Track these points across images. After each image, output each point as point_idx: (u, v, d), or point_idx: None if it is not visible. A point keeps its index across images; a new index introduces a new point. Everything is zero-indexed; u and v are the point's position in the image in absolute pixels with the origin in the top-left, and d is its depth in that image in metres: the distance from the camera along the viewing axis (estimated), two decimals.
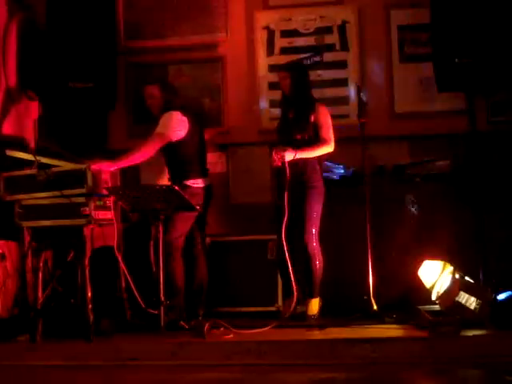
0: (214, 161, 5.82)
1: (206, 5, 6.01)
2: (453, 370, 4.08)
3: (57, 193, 4.65)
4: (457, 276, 4.78)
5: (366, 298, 5.04)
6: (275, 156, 4.95)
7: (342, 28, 5.87)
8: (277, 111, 5.54)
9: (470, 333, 4.43)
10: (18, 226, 4.80)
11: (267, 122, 5.87)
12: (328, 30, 5.90)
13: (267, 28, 5.96)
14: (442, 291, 4.79)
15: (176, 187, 4.68)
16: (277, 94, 5.55)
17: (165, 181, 5.29)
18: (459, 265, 4.90)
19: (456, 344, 4.29)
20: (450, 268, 4.84)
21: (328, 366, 4.17)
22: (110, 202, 4.80)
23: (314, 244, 5.02)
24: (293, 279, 4.90)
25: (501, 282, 4.94)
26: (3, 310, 4.92)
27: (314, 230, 5.02)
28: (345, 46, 5.87)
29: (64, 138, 5.48)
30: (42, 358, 4.49)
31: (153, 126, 5.06)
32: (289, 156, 4.93)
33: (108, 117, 6.01)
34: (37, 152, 5.09)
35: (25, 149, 5.34)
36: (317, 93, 5.39)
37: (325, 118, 5.09)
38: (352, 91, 5.77)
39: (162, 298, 4.69)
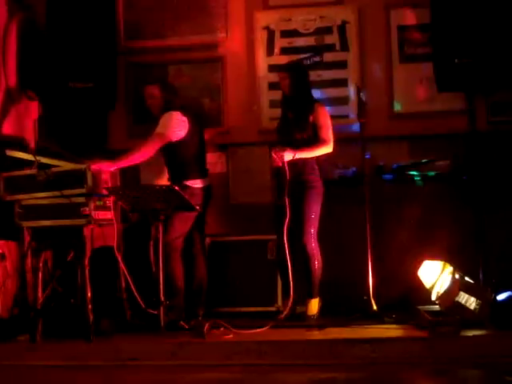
0: (214, 161, 5.81)
1: (206, 5, 6.00)
2: (453, 370, 4.08)
3: (57, 193, 4.65)
4: (457, 276, 4.78)
5: (365, 298, 5.04)
6: (274, 156, 4.96)
7: (342, 28, 5.87)
8: (277, 111, 5.54)
9: (470, 333, 4.43)
10: (17, 226, 4.80)
11: (267, 122, 5.87)
12: (328, 30, 5.89)
13: (267, 28, 5.96)
14: (441, 291, 4.79)
15: (176, 187, 4.68)
16: (277, 94, 5.55)
17: (164, 181, 5.29)
18: (459, 265, 4.90)
19: (456, 344, 4.29)
20: (449, 268, 4.84)
21: (328, 366, 4.18)
22: (109, 202, 4.81)
23: (313, 244, 5.03)
24: (291, 280, 4.91)
25: (501, 281, 4.94)
26: (3, 310, 4.92)
27: (312, 231, 5.03)
28: (345, 46, 5.87)
29: (64, 137, 5.48)
30: (42, 358, 4.49)
31: (153, 126, 5.06)
32: (288, 156, 4.94)
33: (108, 117, 6.01)
34: (37, 152, 5.09)
35: (25, 149, 5.34)
36: (317, 93, 5.38)
37: (324, 119, 5.09)
38: (352, 91, 5.76)
39: (162, 298, 4.70)
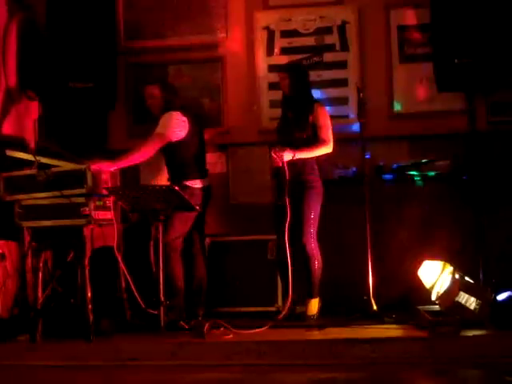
0: (214, 161, 5.82)
1: (206, 5, 6.00)
2: (453, 370, 4.08)
3: (57, 193, 4.65)
4: (457, 276, 4.77)
5: (365, 298, 5.04)
6: (274, 156, 4.96)
7: (342, 28, 5.87)
8: (277, 111, 5.54)
9: (470, 333, 4.43)
10: (17, 226, 4.80)
11: (267, 122, 5.87)
12: (328, 30, 5.89)
13: (267, 28, 5.96)
14: (441, 291, 4.79)
15: (176, 187, 4.68)
16: (276, 94, 5.55)
17: (163, 181, 5.29)
18: (459, 265, 4.90)
19: (456, 344, 4.29)
20: (449, 268, 4.84)
21: (328, 366, 4.18)
22: (109, 202, 4.81)
23: (313, 244, 5.03)
24: (290, 280, 4.91)
25: (501, 281, 4.94)
26: (3, 310, 4.92)
27: (312, 231, 5.02)
28: (345, 47, 5.87)
29: (64, 137, 5.48)
30: (42, 358, 4.49)
31: (153, 126, 5.06)
32: (287, 156, 4.94)
33: (108, 117, 6.01)
34: (37, 152, 5.09)
35: (25, 149, 5.34)
36: (317, 93, 5.38)
37: (323, 119, 5.09)
38: (352, 91, 5.75)
39: (162, 299, 4.70)
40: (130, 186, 5.22)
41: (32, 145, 5.62)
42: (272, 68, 5.87)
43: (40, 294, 4.71)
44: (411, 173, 5.54)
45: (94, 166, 4.70)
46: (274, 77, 5.65)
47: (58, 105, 5.64)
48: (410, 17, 5.78)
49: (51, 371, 4.35)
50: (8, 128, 5.41)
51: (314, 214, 5.03)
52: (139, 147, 4.96)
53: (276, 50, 5.94)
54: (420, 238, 5.38)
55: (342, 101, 5.84)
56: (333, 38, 5.89)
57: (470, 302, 4.66)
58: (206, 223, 5.26)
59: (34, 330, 4.65)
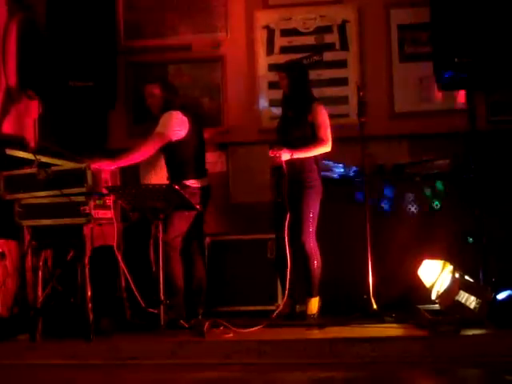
0: (214, 160, 5.82)
1: (206, 4, 6.01)
2: (452, 369, 4.08)
3: (57, 192, 4.65)
4: (456, 275, 4.77)
5: (365, 297, 5.04)
6: (272, 155, 4.96)
7: (342, 27, 5.87)
8: (277, 110, 5.54)
9: (470, 332, 4.43)
10: (17, 225, 4.80)
11: (267, 121, 5.88)
12: (328, 29, 5.90)
13: (267, 27, 5.96)
14: (441, 290, 4.79)
15: (176, 186, 4.68)
16: (276, 94, 5.55)
17: (162, 180, 5.29)
18: (459, 264, 4.90)
19: (456, 343, 4.29)
20: (449, 267, 4.84)
21: (327, 365, 4.17)
22: (109, 201, 4.81)
23: (312, 243, 5.03)
24: (287, 279, 4.91)
25: (501, 281, 4.94)
26: (3, 309, 4.91)
27: (311, 230, 5.02)
28: (345, 46, 5.88)
29: (64, 136, 5.49)
30: (42, 357, 4.49)
31: (153, 125, 5.06)
32: (285, 156, 4.94)
33: (108, 116, 6.01)
34: (37, 151, 5.09)
35: (25, 148, 5.34)
36: (317, 92, 5.38)
37: (322, 118, 5.09)
38: (352, 90, 5.75)
39: (162, 298, 4.69)
40: (130, 185, 5.21)
41: (32, 144, 5.62)
42: (272, 67, 5.88)
43: (40, 293, 4.71)
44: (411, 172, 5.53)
45: (94, 165, 4.70)
46: (273, 76, 5.66)
47: (58, 104, 5.65)
48: (410, 16, 5.79)
49: (51, 370, 4.35)
50: (8, 127, 5.41)
51: (312, 213, 5.02)
52: (139, 146, 4.96)
53: (276, 49, 5.95)
54: (420, 238, 5.37)
55: (342, 100, 5.85)
56: (333, 37, 5.90)
57: (469, 301, 4.65)
58: (205, 222, 5.26)
59: (33, 329, 4.65)
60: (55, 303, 4.83)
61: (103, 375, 4.27)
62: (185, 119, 5.05)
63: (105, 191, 4.75)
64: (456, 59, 5.02)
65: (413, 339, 4.37)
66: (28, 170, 4.75)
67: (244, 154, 5.91)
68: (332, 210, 5.19)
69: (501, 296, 4.73)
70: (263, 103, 5.96)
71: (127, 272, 4.88)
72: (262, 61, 5.96)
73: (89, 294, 4.61)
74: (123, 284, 5.00)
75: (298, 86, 5.15)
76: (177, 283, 4.92)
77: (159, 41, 6.04)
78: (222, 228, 5.77)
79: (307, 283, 5.06)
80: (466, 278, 4.81)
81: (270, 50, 5.95)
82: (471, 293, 4.67)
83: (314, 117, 5.07)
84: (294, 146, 5.00)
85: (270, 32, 5.95)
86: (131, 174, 5.58)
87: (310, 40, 5.92)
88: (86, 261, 4.65)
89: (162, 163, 5.24)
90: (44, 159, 4.72)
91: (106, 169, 4.84)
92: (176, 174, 5.09)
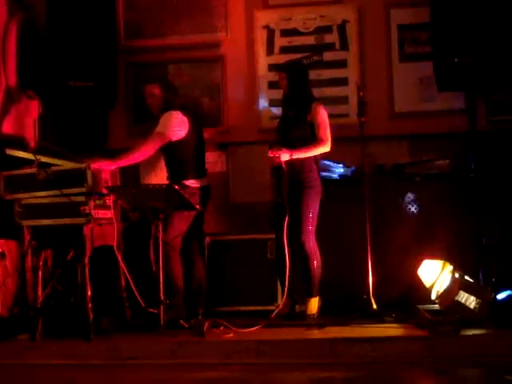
0: (214, 160, 5.82)
1: (206, 4, 6.01)
2: (452, 369, 4.08)
3: (57, 192, 4.65)
4: (456, 275, 4.77)
5: (365, 297, 5.04)
6: (271, 155, 4.96)
7: (342, 27, 5.87)
8: (277, 110, 5.54)
9: (470, 332, 4.43)
10: (17, 225, 4.80)
11: (267, 121, 5.88)
12: (328, 29, 5.90)
13: (267, 27, 5.96)
14: (441, 290, 4.79)
15: (176, 186, 4.68)
16: (276, 94, 5.56)
17: (162, 180, 5.29)
18: (459, 264, 4.90)
19: (456, 343, 4.29)
20: (449, 267, 4.84)
21: (327, 365, 4.18)
22: (109, 201, 4.81)
23: (311, 243, 5.03)
24: (286, 279, 4.91)
25: (501, 281, 4.94)
26: (3, 308, 4.92)
27: (311, 229, 5.02)
28: (345, 46, 5.88)
29: (64, 136, 5.49)
30: (42, 356, 4.49)
31: (153, 125, 5.06)
32: (284, 156, 4.94)
33: (108, 116, 6.01)
34: (37, 151, 5.09)
35: (25, 148, 5.34)
36: (317, 92, 5.39)
37: (322, 118, 5.08)
38: (352, 90, 5.75)
39: (162, 298, 4.69)
40: (130, 184, 5.21)
41: (32, 144, 5.62)
42: (272, 67, 5.88)
43: (40, 293, 4.71)
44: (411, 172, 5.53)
45: (94, 165, 4.70)
46: (273, 76, 5.66)
47: (58, 104, 5.65)
48: (410, 16, 5.79)
49: (51, 370, 4.35)
50: (8, 127, 5.41)
51: (312, 213, 5.02)
52: (139, 146, 4.96)
53: (276, 49, 5.95)
54: (420, 238, 5.37)
55: (342, 100, 5.84)
56: (333, 37, 5.89)
57: (469, 301, 4.66)
58: (205, 222, 5.26)
59: (33, 329, 4.66)
60: (55, 303, 4.84)
61: (103, 375, 4.27)
62: (185, 119, 5.05)
63: (105, 191, 4.75)
64: (456, 59, 5.02)
65: (413, 339, 4.37)
66: (28, 170, 4.75)
67: (244, 154, 5.91)
68: (332, 210, 5.19)
69: (501, 296, 4.73)
70: (263, 103, 5.96)
71: (127, 272, 4.88)
72: (262, 61, 5.96)
73: (89, 293, 4.61)
74: (123, 284, 5.00)
75: (297, 86, 5.15)
76: (177, 283, 4.92)
77: (159, 41, 6.04)
78: (222, 228, 5.77)
79: (307, 283, 5.06)
80: (466, 278, 4.81)
81: (270, 50, 5.95)
82: (471, 293, 4.67)
83: (313, 117, 5.07)
84: (293, 145, 5.00)
85: (270, 32, 5.95)
86: (131, 174, 5.58)
87: (310, 40, 5.92)
88: (86, 261, 4.65)
89: (162, 164, 5.25)
90: (44, 159, 4.72)
91: (106, 169, 4.84)
92: (176, 174, 5.09)
